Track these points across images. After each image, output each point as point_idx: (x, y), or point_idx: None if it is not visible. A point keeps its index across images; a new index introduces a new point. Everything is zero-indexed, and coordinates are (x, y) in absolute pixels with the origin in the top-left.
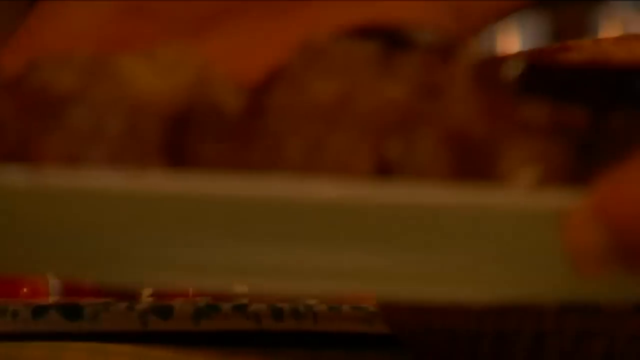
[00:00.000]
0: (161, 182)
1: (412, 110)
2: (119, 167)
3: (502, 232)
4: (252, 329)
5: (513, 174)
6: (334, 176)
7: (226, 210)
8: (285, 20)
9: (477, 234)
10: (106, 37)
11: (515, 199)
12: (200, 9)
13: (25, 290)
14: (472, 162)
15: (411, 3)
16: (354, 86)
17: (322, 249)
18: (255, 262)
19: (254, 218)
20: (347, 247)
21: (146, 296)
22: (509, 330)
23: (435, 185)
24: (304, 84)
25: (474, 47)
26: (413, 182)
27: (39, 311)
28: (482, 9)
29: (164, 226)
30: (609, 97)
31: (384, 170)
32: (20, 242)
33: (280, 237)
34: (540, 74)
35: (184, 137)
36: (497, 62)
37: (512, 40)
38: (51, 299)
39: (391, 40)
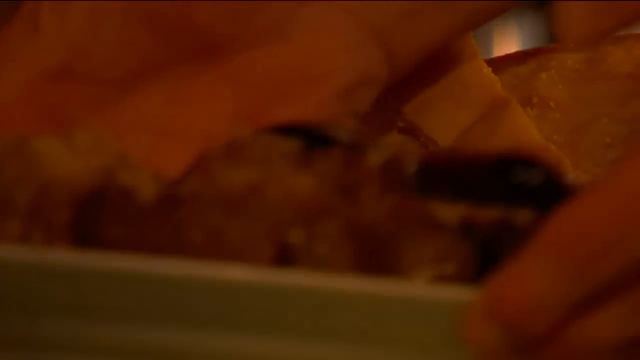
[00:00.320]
0: (62, 258)
1: (320, 204)
2: (26, 244)
3: (400, 323)
4: None
5: (415, 270)
6: (236, 263)
7: (126, 288)
8: (215, 76)
9: (374, 323)
10: (33, 105)
11: (414, 292)
12: (125, 69)
13: None
14: (374, 257)
15: (340, 48)
16: (265, 179)
17: (219, 332)
18: (149, 342)
19: (150, 297)
20: (244, 330)
21: None
22: None
23: (335, 274)
24: (217, 174)
25: (384, 146)
26: (313, 271)
27: None
28: (413, 52)
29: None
30: (489, 192)
31: (285, 259)
32: None
33: (177, 318)
34: (435, 173)
35: (93, 220)
36: (402, 160)
37: (510, 40)
38: None
39: (311, 137)
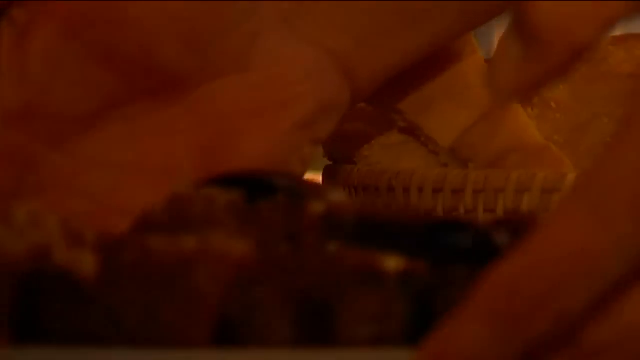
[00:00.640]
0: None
1: (257, 269)
2: None
3: None
4: None
5: (355, 329)
6: (172, 344)
7: None
8: (175, 111)
9: None
10: None
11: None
12: (85, 107)
13: None
14: (314, 319)
15: (299, 77)
16: (202, 248)
17: None
18: None
19: None
20: None
21: None
22: None
23: (274, 349)
24: (153, 246)
25: (323, 196)
26: (253, 347)
27: None
28: (375, 74)
29: None
30: (421, 250)
31: (225, 334)
32: None
33: None
34: (369, 225)
35: (31, 300)
36: (337, 211)
37: None
38: None
39: (252, 187)
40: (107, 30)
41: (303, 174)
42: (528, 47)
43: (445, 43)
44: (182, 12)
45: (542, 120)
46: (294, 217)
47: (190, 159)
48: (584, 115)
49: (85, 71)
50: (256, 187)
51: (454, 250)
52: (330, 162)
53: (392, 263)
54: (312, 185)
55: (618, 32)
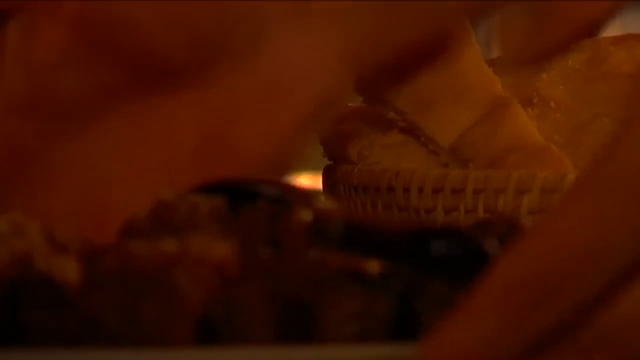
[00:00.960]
0: None
1: (239, 270)
2: None
3: None
4: None
5: (338, 327)
6: (153, 345)
7: None
8: (179, 102)
9: None
10: None
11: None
12: (87, 102)
13: None
14: (296, 318)
15: (305, 66)
16: (183, 251)
17: None
18: None
19: None
20: None
21: None
22: None
23: (256, 346)
24: (134, 251)
25: (309, 203)
26: (234, 346)
27: None
28: (372, 61)
29: None
30: (407, 259)
31: (206, 334)
32: None
33: None
34: (358, 232)
35: (13, 306)
36: (324, 218)
37: None
38: None
39: (236, 194)
40: (112, 28)
41: (297, 166)
42: (539, 20)
43: (448, 28)
44: (186, 10)
45: (542, 120)
46: (278, 224)
47: (192, 152)
48: (585, 115)
49: (90, 67)
50: (239, 194)
51: (441, 259)
52: (330, 162)
53: (375, 265)
54: (300, 192)
55: (618, 32)
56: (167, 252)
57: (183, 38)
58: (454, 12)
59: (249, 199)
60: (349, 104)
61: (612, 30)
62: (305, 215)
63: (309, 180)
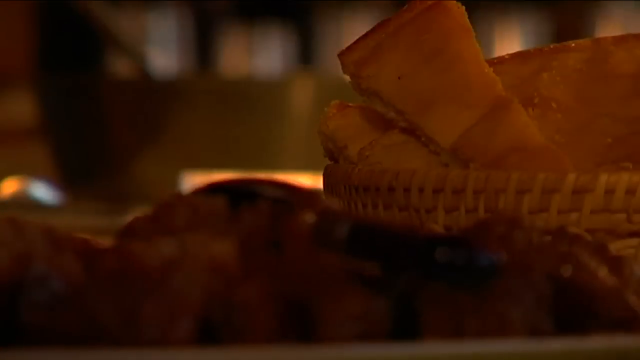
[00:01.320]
0: None
1: (239, 269)
2: None
3: None
4: None
5: (337, 328)
6: (153, 345)
7: None
8: None
9: None
10: None
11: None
12: None
13: None
14: (296, 318)
15: None
16: (184, 251)
17: None
18: None
19: None
20: None
21: None
22: None
23: (255, 347)
24: (135, 251)
25: (314, 204)
26: (234, 346)
27: None
28: None
29: None
30: (413, 264)
31: (206, 334)
32: None
33: None
34: (364, 235)
35: (13, 307)
36: (330, 220)
37: (512, 40)
38: None
39: (237, 194)
40: None
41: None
42: None
43: None
44: None
45: (543, 120)
46: (279, 224)
47: None
48: (585, 115)
49: None
50: (239, 194)
51: (445, 266)
52: (331, 162)
53: (375, 266)
54: (303, 193)
55: (618, 32)
56: (167, 252)
57: None
58: None
59: (249, 199)
60: (350, 104)
61: (612, 30)
62: (308, 217)
63: (309, 180)
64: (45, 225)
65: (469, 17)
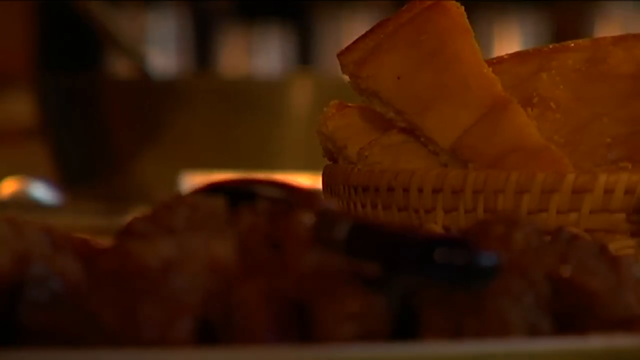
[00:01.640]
0: None
1: (238, 269)
2: None
3: None
4: None
5: (336, 327)
6: (152, 345)
7: None
8: None
9: None
10: None
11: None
12: None
13: None
14: (295, 318)
15: None
16: (183, 251)
17: None
18: None
19: None
20: None
21: None
22: None
23: (259, 347)
24: (133, 251)
25: (313, 204)
26: (234, 346)
27: None
28: None
29: None
30: (412, 265)
31: (205, 334)
32: None
33: None
34: (364, 235)
35: (12, 307)
36: (330, 220)
37: (511, 40)
38: None
39: (236, 194)
40: None
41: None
42: None
43: None
44: None
45: (542, 120)
46: (279, 225)
47: None
48: (584, 115)
49: None
50: (239, 194)
51: (444, 267)
52: (330, 162)
53: (375, 266)
54: (305, 194)
55: (618, 32)
56: (167, 252)
57: None
58: None
59: (249, 199)
60: (349, 104)
61: (612, 30)
62: (308, 217)
63: (308, 180)
64: (45, 225)
65: (468, 17)
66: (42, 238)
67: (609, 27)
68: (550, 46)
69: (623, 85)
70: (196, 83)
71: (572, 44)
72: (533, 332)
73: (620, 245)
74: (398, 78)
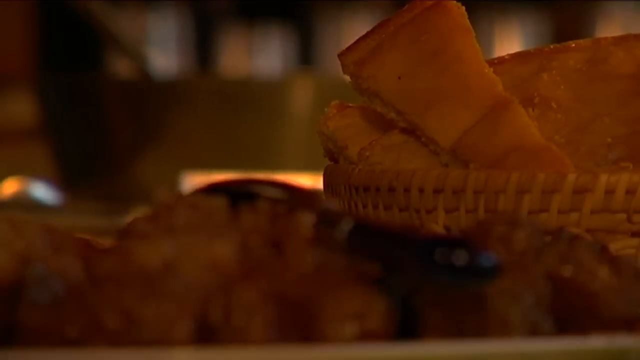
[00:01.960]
0: None
1: (238, 270)
2: None
3: None
4: None
5: (337, 327)
6: (153, 346)
7: None
8: None
9: None
10: None
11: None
12: None
13: None
14: (295, 318)
15: None
16: (183, 252)
17: None
18: None
19: None
20: None
21: None
22: None
23: (259, 347)
24: (134, 252)
25: (313, 204)
26: (233, 345)
27: None
28: None
29: None
30: (413, 266)
31: (204, 335)
32: None
33: None
34: (364, 235)
35: (13, 307)
36: (330, 220)
37: (512, 40)
38: None
39: (236, 194)
40: None
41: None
42: None
43: None
44: None
45: (543, 120)
46: (280, 225)
47: None
48: (585, 115)
49: None
50: (239, 194)
51: (444, 267)
52: (331, 162)
53: (375, 267)
54: (306, 194)
55: (618, 32)
56: (167, 253)
57: None
58: None
59: (249, 199)
60: (350, 104)
61: (612, 30)
62: (308, 217)
63: (309, 181)
64: (46, 225)
65: (469, 17)
66: (42, 238)
67: (610, 27)
68: (551, 46)
69: (624, 86)
70: (197, 83)
71: (573, 44)
72: (533, 332)
73: (620, 246)
74: (399, 78)
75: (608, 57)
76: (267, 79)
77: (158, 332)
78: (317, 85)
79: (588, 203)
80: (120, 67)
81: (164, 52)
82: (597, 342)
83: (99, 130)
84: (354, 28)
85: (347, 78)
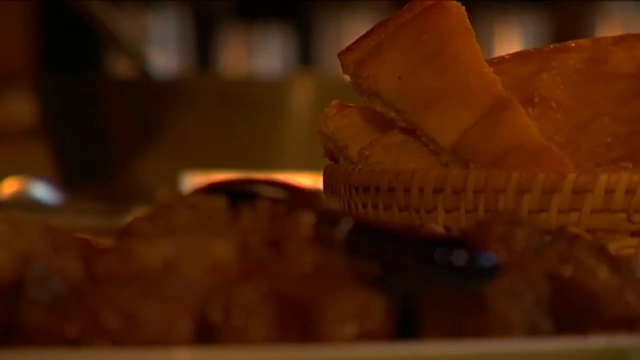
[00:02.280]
0: None
1: (238, 270)
2: None
3: None
4: None
5: (337, 327)
6: (153, 345)
7: None
8: None
9: None
10: None
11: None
12: None
13: None
14: (295, 318)
15: None
16: (183, 252)
17: None
18: None
19: None
20: None
21: None
22: None
23: (259, 347)
24: (134, 251)
25: (313, 204)
26: (232, 345)
27: None
28: None
29: None
30: (413, 266)
31: (204, 334)
32: None
33: None
34: (364, 235)
35: (13, 307)
36: (330, 220)
37: (512, 40)
38: None
39: (238, 194)
40: None
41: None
42: None
43: None
44: None
45: (543, 120)
46: (279, 225)
47: None
48: (585, 115)
49: None
50: (239, 194)
51: (447, 267)
52: (331, 162)
53: (374, 267)
54: (305, 194)
55: (618, 32)
56: (167, 253)
57: None
58: None
59: (249, 199)
60: (350, 104)
61: (612, 30)
62: (308, 217)
63: (309, 180)
64: (46, 225)
65: (469, 17)
66: (43, 238)
67: (610, 27)
68: (551, 46)
69: (624, 85)
70: (197, 83)
71: (573, 44)
72: (533, 332)
73: (620, 245)
74: (399, 78)
75: (608, 57)
76: (267, 79)
77: (158, 332)
78: (317, 85)
79: (588, 203)
80: (120, 67)
81: (164, 52)
82: (597, 342)
83: (99, 130)
84: (354, 28)
85: (347, 78)
